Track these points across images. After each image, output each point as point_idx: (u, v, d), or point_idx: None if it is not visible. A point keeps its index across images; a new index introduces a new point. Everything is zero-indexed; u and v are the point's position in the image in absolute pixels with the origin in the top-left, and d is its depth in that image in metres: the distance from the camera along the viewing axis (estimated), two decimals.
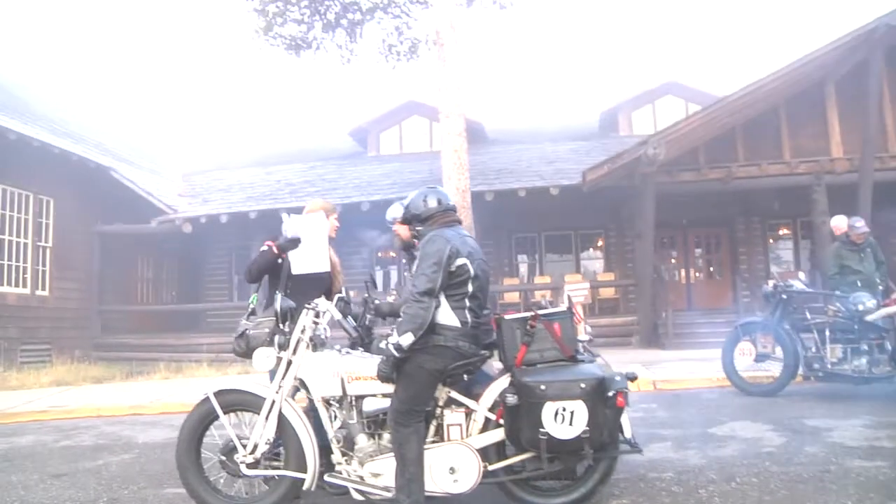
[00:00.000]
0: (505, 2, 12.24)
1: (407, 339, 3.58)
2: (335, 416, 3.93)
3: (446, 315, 3.71)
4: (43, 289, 14.24)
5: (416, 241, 4.35)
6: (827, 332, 7.05)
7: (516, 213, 14.97)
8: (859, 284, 7.62)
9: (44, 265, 14.25)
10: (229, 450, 3.93)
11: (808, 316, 7.21)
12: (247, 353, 4.13)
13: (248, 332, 4.16)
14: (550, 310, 3.96)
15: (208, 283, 17.42)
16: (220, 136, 21.92)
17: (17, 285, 13.68)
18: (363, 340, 4.59)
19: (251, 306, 4.37)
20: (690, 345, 12.22)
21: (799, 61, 12.08)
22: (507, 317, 3.94)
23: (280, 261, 4.75)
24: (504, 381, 3.87)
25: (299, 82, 32.90)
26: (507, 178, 14.36)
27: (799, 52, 12.27)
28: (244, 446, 3.89)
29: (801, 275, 7.63)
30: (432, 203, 4.01)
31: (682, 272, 16.97)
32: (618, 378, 3.72)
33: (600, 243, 17.04)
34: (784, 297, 7.30)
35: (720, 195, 14.37)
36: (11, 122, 12.90)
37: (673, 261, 16.94)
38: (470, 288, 3.76)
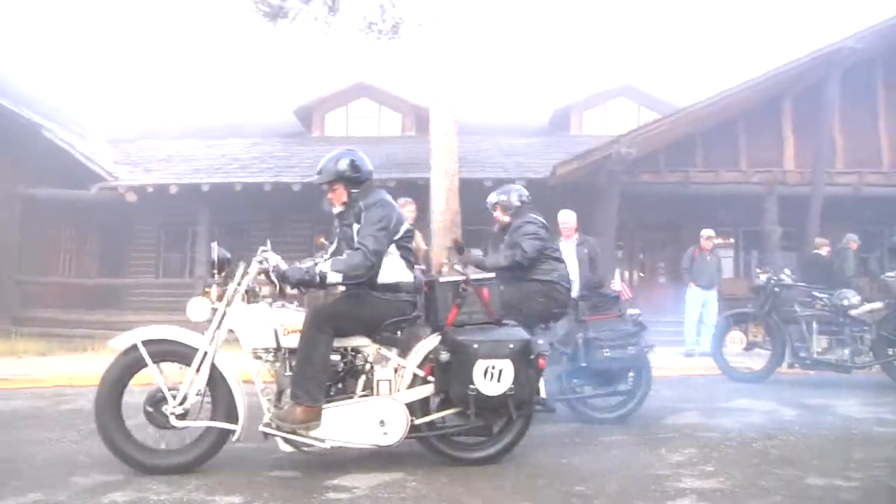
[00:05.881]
0: None
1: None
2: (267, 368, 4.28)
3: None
4: None
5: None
6: (814, 325, 8.15)
7: (476, 205, 15.60)
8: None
9: None
10: (157, 400, 4.06)
11: (797, 309, 8.29)
12: None
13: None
14: (480, 275, 4.65)
15: (133, 259, 17.22)
16: (144, 103, 21.56)
17: None
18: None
19: None
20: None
21: (763, 76, 13.39)
22: (441, 279, 4.54)
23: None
24: (434, 340, 4.38)
25: (234, 56, 32.59)
26: (472, 167, 14.81)
27: (755, 65, 13.65)
28: (174, 397, 4.06)
29: (787, 271, 8.74)
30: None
31: (626, 274, 18.13)
32: (541, 342, 4.51)
33: None
34: (776, 290, 8.37)
35: (669, 200, 15.58)
36: None
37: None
38: None
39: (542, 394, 4.44)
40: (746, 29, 46.00)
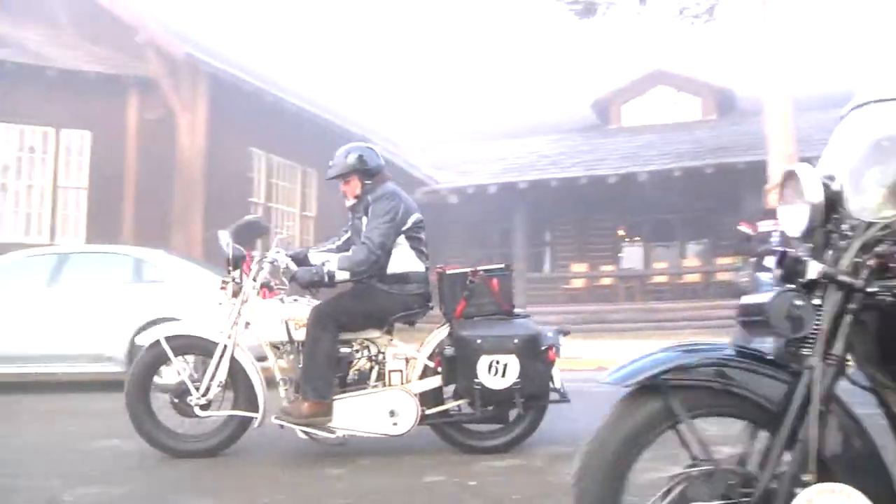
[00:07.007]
0: None
1: None
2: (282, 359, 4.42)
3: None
4: None
5: None
6: None
7: None
8: None
9: (307, 234, 15.78)
10: (182, 392, 4.31)
11: None
12: None
13: None
14: (489, 266, 4.55)
15: (449, 257, 18.48)
16: (438, 109, 23.03)
17: None
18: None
19: None
20: None
21: None
22: (448, 271, 4.49)
23: None
24: (444, 332, 4.35)
25: (517, 57, 33.98)
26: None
27: None
28: (197, 388, 4.29)
29: None
30: None
31: None
32: (550, 334, 4.28)
33: None
34: None
35: None
36: (290, 96, 14.25)
37: None
38: None
39: (558, 384, 4.33)
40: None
